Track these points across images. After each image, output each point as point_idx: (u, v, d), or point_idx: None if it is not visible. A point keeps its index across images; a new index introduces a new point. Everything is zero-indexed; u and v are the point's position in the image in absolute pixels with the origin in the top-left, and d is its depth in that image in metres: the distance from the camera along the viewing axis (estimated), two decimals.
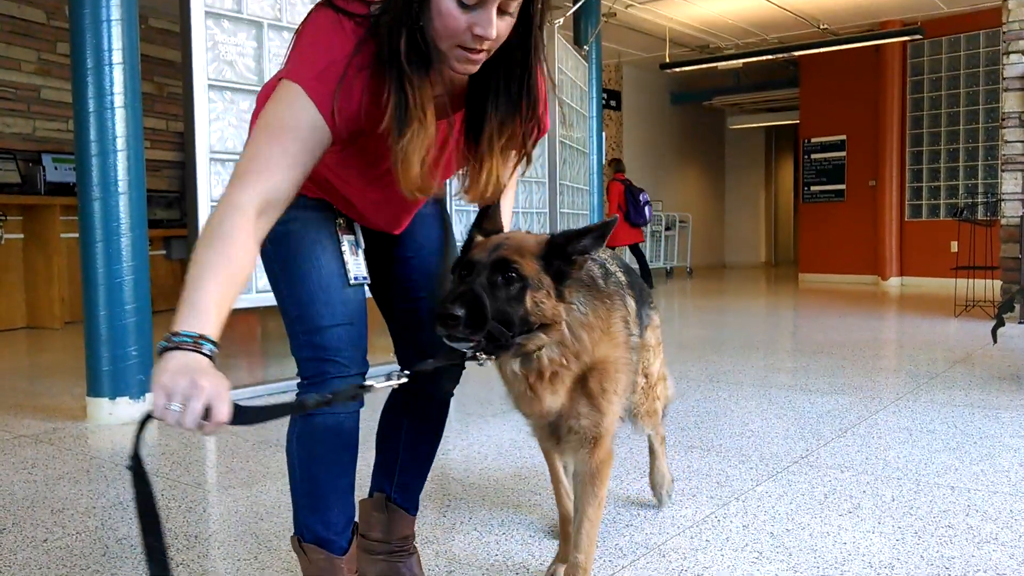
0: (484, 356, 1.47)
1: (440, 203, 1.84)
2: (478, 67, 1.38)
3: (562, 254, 1.49)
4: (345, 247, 1.64)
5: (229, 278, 1.25)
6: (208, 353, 1.18)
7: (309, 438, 1.59)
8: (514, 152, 1.54)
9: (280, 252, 1.57)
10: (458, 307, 1.38)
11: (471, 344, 1.43)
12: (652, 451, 2.38)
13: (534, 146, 1.56)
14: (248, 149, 1.34)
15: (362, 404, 1.63)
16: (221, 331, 1.24)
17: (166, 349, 1.16)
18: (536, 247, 1.50)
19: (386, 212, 1.66)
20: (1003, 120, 7.05)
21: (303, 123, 1.33)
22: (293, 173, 1.33)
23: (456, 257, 1.60)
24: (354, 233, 1.67)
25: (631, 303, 1.75)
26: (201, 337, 1.18)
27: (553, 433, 1.62)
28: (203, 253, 1.25)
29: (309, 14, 1.40)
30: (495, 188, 1.53)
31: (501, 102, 1.45)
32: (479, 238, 1.59)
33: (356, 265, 1.65)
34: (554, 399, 1.56)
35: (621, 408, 1.68)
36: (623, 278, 1.82)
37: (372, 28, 1.34)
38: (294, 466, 1.62)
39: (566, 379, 1.55)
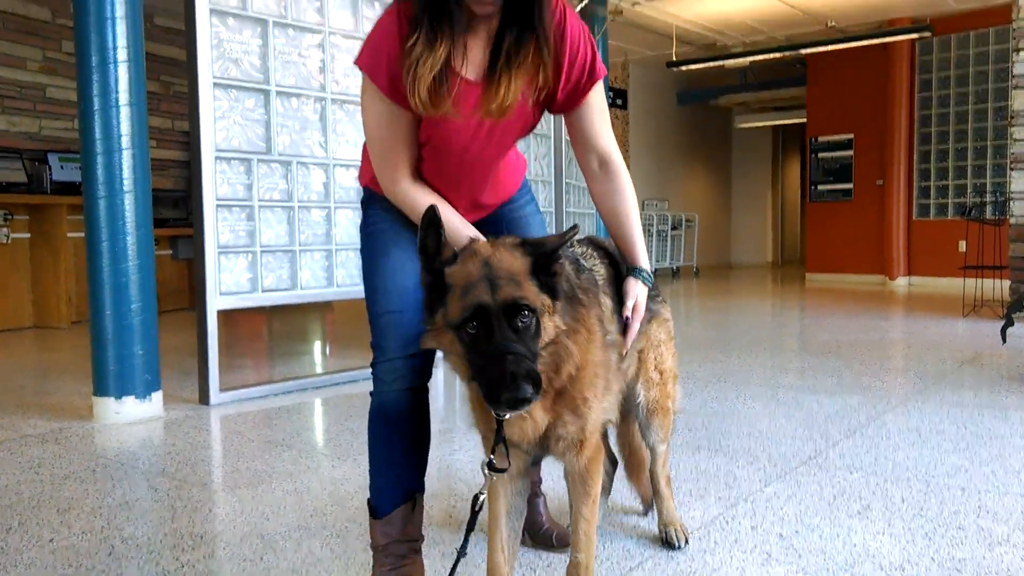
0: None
1: (535, 203, 2.08)
2: (491, 6, 1.60)
3: (546, 268, 1.48)
4: None
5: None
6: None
7: (370, 414, 1.84)
8: (535, 77, 1.67)
9: (367, 246, 1.88)
10: (528, 387, 1.35)
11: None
12: (658, 493, 2.19)
13: (586, 85, 1.74)
14: (372, 146, 1.76)
15: (412, 384, 1.79)
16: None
17: None
18: (524, 265, 1.47)
19: (465, 184, 1.84)
20: (1012, 118, 7.00)
21: (379, 106, 1.69)
22: (408, 144, 1.72)
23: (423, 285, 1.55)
24: None
25: (605, 300, 1.75)
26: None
27: (540, 443, 1.60)
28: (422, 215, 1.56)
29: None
30: (509, 105, 1.65)
31: (515, 26, 1.63)
32: (448, 270, 1.48)
33: None
34: (545, 415, 1.54)
35: (603, 409, 1.66)
36: (602, 271, 1.82)
37: None
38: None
39: (553, 388, 1.53)
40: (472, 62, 1.68)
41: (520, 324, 1.42)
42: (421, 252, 1.51)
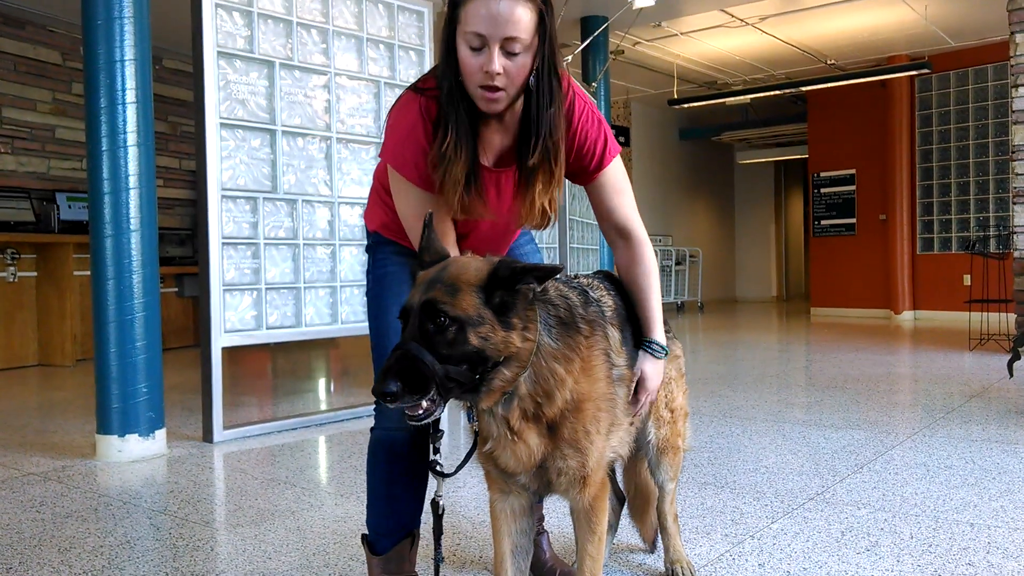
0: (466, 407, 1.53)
1: (533, 241, 2.18)
2: (500, 105, 1.63)
3: (507, 285, 1.44)
4: None
5: None
6: None
7: (370, 450, 1.87)
8: (554, 184, 1.73)
9: (377, 286, 1.91)
10: (392, 383, 1.35)
11: (425, 407, 1.39)
12: (665, 530, 2.15)
13: (595, 169, 1.80)
14: (408, 227, 1.78)
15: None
16: None
17: None
18: (476, 276, 1.45)
19: (489, 241, 1.92)
20: (1013, 153, 7.04)
21: (412, 192, 1.73)
22: (442, 219, 1.75)
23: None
24: None
25: (613, 332, 1.70)
26: None
27: (541, 477, 1.58)
28: None
29: (398, 98, 1.76)
30: (543, 215, 1.74)
31: (534, 143, 1.68)
32: (420, 272, 1.52)
33: None
34: (539, 441, 1.52)
35: (610, 446, 1.64)
36: (610, 302, 1.77)
37: (437, 95, 1.67)
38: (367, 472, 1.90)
39: (546, 416, 1.52)
40: (491, 149, 1.76)
41: (431, 328, 1.40)
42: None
